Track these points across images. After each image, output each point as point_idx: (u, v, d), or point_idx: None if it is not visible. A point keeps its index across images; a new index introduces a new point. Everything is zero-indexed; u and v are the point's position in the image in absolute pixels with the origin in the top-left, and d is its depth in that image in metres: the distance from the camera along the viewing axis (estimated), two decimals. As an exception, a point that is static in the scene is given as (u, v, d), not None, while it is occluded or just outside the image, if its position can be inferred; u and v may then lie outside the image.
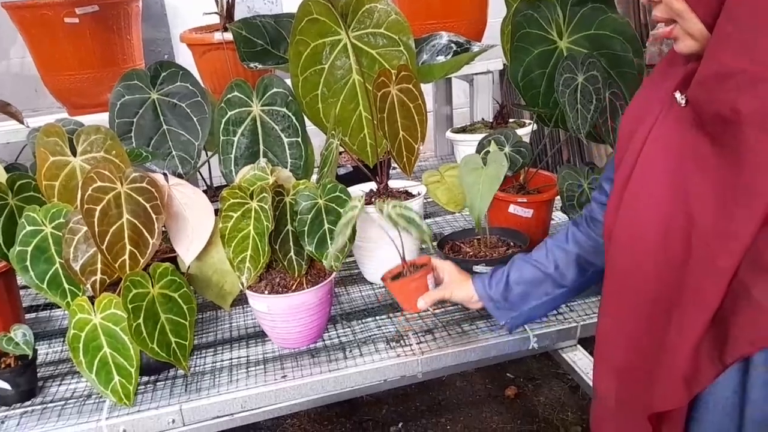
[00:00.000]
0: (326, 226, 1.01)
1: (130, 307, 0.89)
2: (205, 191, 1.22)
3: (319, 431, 1.90)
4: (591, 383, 1.82)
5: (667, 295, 0.66)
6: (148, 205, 0.94)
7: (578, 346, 1.99)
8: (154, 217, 0.95)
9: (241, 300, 1.17)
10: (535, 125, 1.45)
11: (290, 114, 1.16)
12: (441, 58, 1.41)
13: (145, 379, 1.00)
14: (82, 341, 0.90)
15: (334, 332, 1.10)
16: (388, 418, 1.94)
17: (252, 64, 1.32)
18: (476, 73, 1.83)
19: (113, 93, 1.23)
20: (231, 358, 1.05)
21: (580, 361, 1.91)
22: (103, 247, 0.90)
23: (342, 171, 1.59)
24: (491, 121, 1.55)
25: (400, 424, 1.90)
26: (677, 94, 0.65)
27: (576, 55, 1.12)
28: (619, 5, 2.63)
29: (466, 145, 1.63)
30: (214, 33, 1.52)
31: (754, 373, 0.62)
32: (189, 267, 1.04)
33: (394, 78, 1.06)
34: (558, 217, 1.44)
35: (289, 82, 1.17)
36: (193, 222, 1.02)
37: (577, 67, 1.11)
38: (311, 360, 1.02)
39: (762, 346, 0.61)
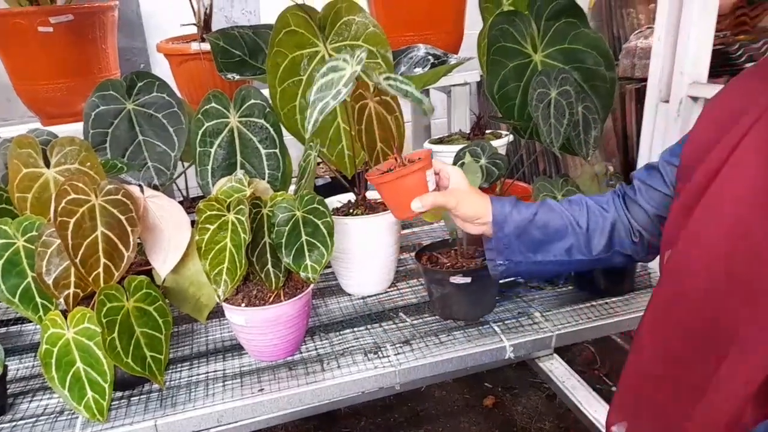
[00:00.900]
0: (304, 237, 1.01)
1: (104, 321, 0.88)
2: (181, 202, 1.21)
3: (297, 444, 1.89)
4: (567, 392, 1.85)
5: (730, 326, 0.58)
6: (123, 218, 0.93)
7: (555, 355, 2.02)
8: (129, 229, 0.94)
9: (217, 313, 1.16)
10: (512, 136, 1.47)
11: (268, 125, 1.16)
12: (419, 70, 1.43)
13: (119, 394, 0.99)
14: (55, 356, 0.89)
15: (312, 344, 1.09)
16: (367, 430, 1.94)
17: (229, 75, 1.32)
18: (454, 85, 1.84)
19: (88, 103, 1.22)
20: (207, 372, 1.04)
21: (557, 370, 1.93)
22: (77, 260, 0.88)
23: (320, 182, 1.59)
24: (468, 132, 1.57)
25: (378, 436, 1.90)
26: None
27: (549, 71, 1.14)
28: (593, 20, 2.69)
29: (444, 156, 1.64)
30: (192, 43, 1.51)
31: None
32: (165, 280, 1.03)
33: (372, 90, 1.07)
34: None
35: (266, 92, 1.17)
36: (169, 234, 1.01)
37: (550, 82, 1.13)
38: (289, 373, 1.02)
39: None
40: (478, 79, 1.81)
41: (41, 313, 0.96)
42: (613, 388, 2.10)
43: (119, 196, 0.94)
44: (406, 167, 0.82)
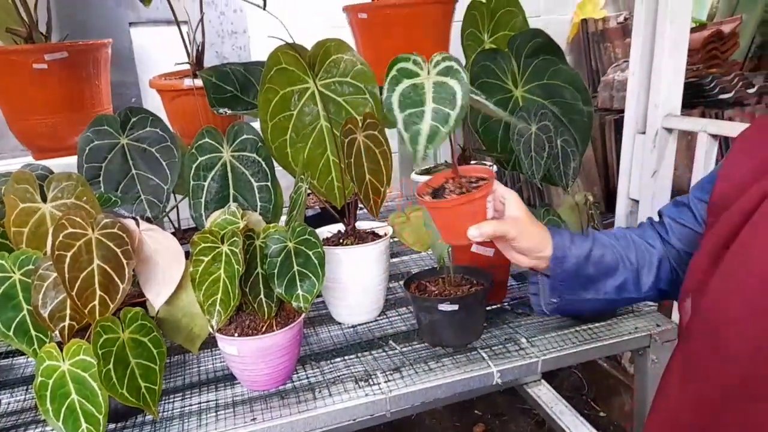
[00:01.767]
0: (295, 268, 1.03)
1: (100, 352, 0.89)
2: (173, 234, 1.23)
3: (287, 475, 1.88)
4: (555, 418, 1.87)
5: (761, 387, 0.57)
6: (118, 251, 0.96)
7: (542, 381, 2.04)
8: (124, 262, 0.96)
9: (208, 343, 1.18)
10: (496, 167, 1.51)
11: (260, 159, 1.19)
12: (404, 104, 1.47)
13: (112, 426, 1.00)
14: (50, 388, 0.90)
15: (304, 373, 1.11)
16: (357, 459, 1.93)
17: (221, 110, 1.35)
18: (438, 117, 1.89)
19: (82, 138, 1.24)
20: (200, 402, 1.05)
21: (545, 396, 1.95)
22: (73, 292, 0.90)
23: (310, 212, 1.62)
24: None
25: (369, 465, 1.89)
26: None
27: (529, 107, 1.20)
28: (572, 53, 2.78)
29: (430, 186, 1.69)
30: (184, 79, 1.55)
31: None
32: (158, 311, 1.05)
33: (360, 125, 1.11)
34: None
35: (256, 125, 1.21)
36: (164, 266, 1.04)
37: (530, 117, 1.18)
38: (281, 402, 1.03)
39: None
40: (463, 111, 1.86)
41: (36, 345, 0.97)
42: (601, 413, 2.12)
43: (115, 230, 0.96)
44: (470, 194, 0.75)
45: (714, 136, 1.49)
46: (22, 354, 1.25)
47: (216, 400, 1.06)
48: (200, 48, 1.57)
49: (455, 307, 1.09)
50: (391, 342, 1.19)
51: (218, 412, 1.02)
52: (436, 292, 1.16)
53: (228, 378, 1.11)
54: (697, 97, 2.23)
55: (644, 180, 1.69)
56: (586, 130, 1.27)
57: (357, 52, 1.20)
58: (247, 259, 1.04)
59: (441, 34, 1.78)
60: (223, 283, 1.00)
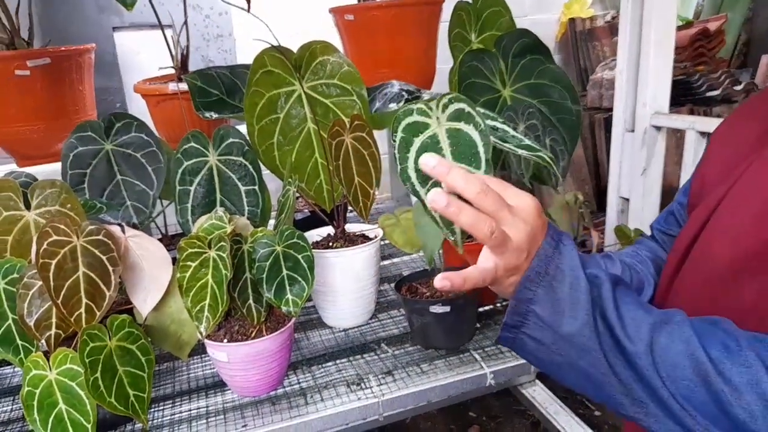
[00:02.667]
0: (284, 272, 1.02)
1: (87, 361, 0.88)
2: (160, 239, 1.22)
3: (280, 481, 1.86)
4: (550, 418, 1.86)
5: None
6: (104, 258, 0.94)
7: (537, 381, 2.03)
8: (110, 269, 0.94)
9: (198, 350, 1.17)
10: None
11: (247, 163, 1.18)
12: (393, 106, 1.47)
13: (101, 435, 0.98)
14: (37, 398, 0.88)
15: (295, 378, 1.10)
16: (351, 464, 1.92)
17: (207, 114, 1.34)
18: (427, 118, 1.89)
19: (66, 144, 1.23)
20: (190, 410, 1.04)
21: (539, 397, 1.94)
22: (59, 301, 0.88)
23: (299, 216, 1.61)
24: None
25: (363, 469, 1.88)
26: None
27: (516, 106, 1.19)
28: (560, 52, 2.79)
29: (420, 187, 1.68)
30: (169, 83, 1.54)
31: None
32: (146, 318, 1.04)
33: (348, 127, 1.10)
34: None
35: (242, 129, 1.19)
36: (150, 273, 1.02)
37: (517, 116, 1.18)
38: (272, 407, 1.02)
39: None
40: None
41: (22, 355, 0.95)
42: (596, 413, 2.12)
43: (100, 237, 0.95)
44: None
45: (702, 134, 1.49)
46: (9, 364, 1.23)
47: (206, 407, 1.04)
48: (185, 52, 1.56)
49: (447, 308, 1.09)
50: (383, 345, 1.18)
51: (209, 420, 1.01)
52: (428, 294, 1.15)
53: (218, 385, 1.10)
54: (685, 95, 2.24)
55: (634, 178, 1.70)
56: (574, 129, 1.27)
57: (344, 54, 1.20)
58: (235, 264, 1.03)
59: (428, 34, 1.78)
60: (211, 288, 0.99)
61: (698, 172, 0.76)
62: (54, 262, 0.89)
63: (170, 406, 1.06)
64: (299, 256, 1.03)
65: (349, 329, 1.25)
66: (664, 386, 0.53)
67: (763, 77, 2.47)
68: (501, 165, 1.30)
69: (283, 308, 1.01)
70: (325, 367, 1.12)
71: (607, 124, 2.30)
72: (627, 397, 0.55)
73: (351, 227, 1.29)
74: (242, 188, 1.19)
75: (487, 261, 0.56)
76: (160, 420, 1.02)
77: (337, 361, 1.14)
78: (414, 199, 1.80)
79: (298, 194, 1.23)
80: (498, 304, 1.30)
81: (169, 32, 1.53)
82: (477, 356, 1.11)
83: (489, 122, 0.76)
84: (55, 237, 0.90)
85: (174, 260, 1.03)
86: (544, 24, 2.72)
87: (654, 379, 0.53)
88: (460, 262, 1.22)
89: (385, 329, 1.24)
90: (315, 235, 1.30)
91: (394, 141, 0.62)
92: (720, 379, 0.51)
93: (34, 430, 0.88)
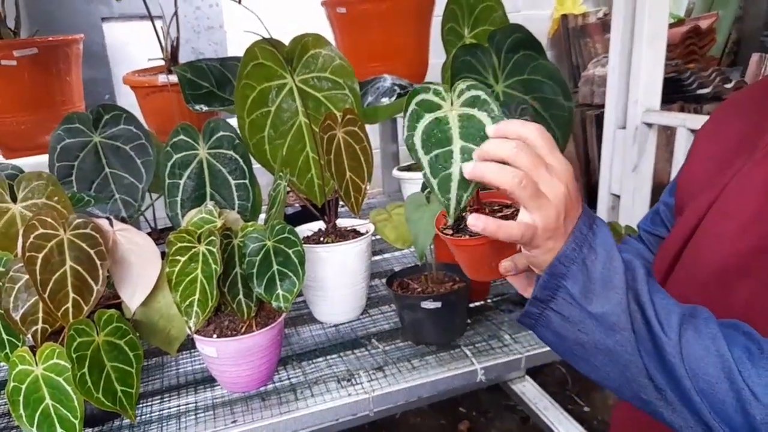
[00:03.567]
0: (275, 267, 1.01)
1: (74, 356, 0.86)
2: (149, 234, 1.20)
3: (270, 476, 1.86)
4: (540, 413, 1.87)
5: None
6: (92, 251, 0.93)
7: (526, 377, 2.05)
8: (98, 263, 0.93)
9: (187, 345, 1.16)
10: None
11: (237, 156, 1.17)
12: (385, 100, 1.46)
13: (89, 430, 0.97)
14: (23, 394, 0.87)
15: (285, 373, 1.09)
16: (341, 459, 1.92)
17: (197, 107, 1.33)
18: (419, 113, 1.88)
19: (53, 136, 1.21)
20: (179, 405, 1.03)
21: (529, 392, 1.96)
22: (45, 295, 0.87)
23: (290, 211, 1.60)
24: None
25: (353, 465, 1.88)
26: None
27: (509, 101, 1.19)
28: (553, 49, 2.79)
29: (413, 182, 1.68)
30: (159, 75, 1.52)
31: None
32: (134, 313, 1.02)
33: (339, 121, 1.09)
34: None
35: (233, 122, 1.18)
36: (139, 267, 1.01)
37: (510, 112, 1.17)
38: (262, 403, 1.01)
39: None
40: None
41: (8, 350, 0.94)
42: (585, 408, 2.13)
43: (88, 230, 0.94)
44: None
45: (693, 131, 1.49)
46: (-6, 359, 1.21)
47: (195, 402, 1.03)
48: (175, 43, 1.54)
49: (438, 304, 1.08)
50: (373, 341, 1.17)
51: (198, 415, 1.00)
52: (419, 289, 1.15)
53: (208, 380, 1.09)
54: (676, 93, 2.24)
55: (625, 175, 1.70)
56: (566, 125, 1.26)
57: (335, 46, 1.19)
58: (225, 258, 1.02)
59: (421, 29, 1.77)
60: (201, 283, 0.98)
61: (684, 172, 0.76)
62: (41, 255, 0.88)
63: (159, 401, 1.05)
64: (290, 251, 1.02)
65: (340, 325, 1.25)
66: (687, 377, 0.53)
67: (753, 75, 2.48)
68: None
69: (274, 303, 1.01)
70: (315, 362, 1.12)
71: (598, 121, 2.31)
72: (650, 380, 0.55)
73: (342, 222, 1.28)
74: (232, 182, 1.17)
75: (524, 216, 0.56)
76: (148, 416, 1.01)
77: (328, 357, 1.13)
78: (405, 194, 1.79)
79: (289, 189, 1.22)
80: (489, 300, 1.30)
81: (159, 23, 1.51)
82: (468, 352, 1.11)
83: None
84: (41, 230, 0.89)
85: (163, 254, 1.02)
86: (537, 20, 2.72)
87: (679, 368, 0.53)
88: (451, 259, 1.21)
89: (376, 325, 1.24)
90: (306, 229, 1.29)
91: (406, 111, 0.63)
92: (740, 378, 0.51)
93: (20, 426, 0.87)
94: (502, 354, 1.10)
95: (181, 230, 1.00)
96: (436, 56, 1.72)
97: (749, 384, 0.51)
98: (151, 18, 1.46)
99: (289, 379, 1.07)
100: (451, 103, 0.63)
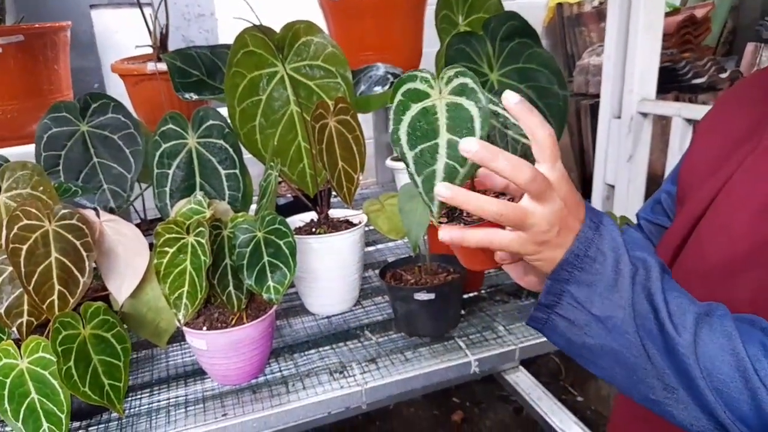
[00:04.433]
0: (266, 258, 1.00)
1: (59, 349, 0.85)
2: (138, 225, 1.18)
3: (263, 468, 1.85)
4: (533, 404, 1.87)
5: None
6: (78, 243, 0.91)
7: (520, 367, 2.04)
8: (84, 255, 0.91)
9: (177, 337, 1.14)
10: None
11: (227, 146, 1.15)
12: (378, 89, 1.44)
13: (76, 424, 0.96)
14: (8, 388, 0.85)
15: (276, 366, 1.08)
16: (334, 451, 1.92)
17: (187, 95, 1.30)
18: (413, 102, 1.86)
19: (40, 125, 1.19)
20: (169, 398, 1.01)
21: (523, 383, 1.95)
22: (30, 287, 0.85)
23: (282, 201, 1.58)
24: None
25: (346, 456, 1.88)
26: None
27: (503, 90, 1.17)
28: (548, 38, 2.77)
29: (406, 173, 1.66)
30: (148, 63, 1.49)
31: None
32: (122, 305, 1.01)
33: (332, 110, 1.07)
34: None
35: (224, 111, 1.16)
36: (126, 259, 0.99)
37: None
38: (253, 396, 1.00)
39: None
40: (437, 96, 1.83)
41: (-8, 343, 0.92)
42: (579, 398, 2.14)
43: (74, 221, 0.92)
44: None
45: (688, 120, 1.48)
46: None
47: (185, 395, 1.02)
48: (164, 31, 1.51)
49: (432, 295, 1.07)
50: (366, 332, 1.16)
51: (188, 408, 0.98)
52: (412, 281, 1.13)
53: (198, 373, 1.07)
54: (671, 82, 2.23)
55: (620, 165, 1.69)
56: (561, 114, 1.25)
57: (328, 34, 1.16)
58: (215, 250, 1.00)
59: (415, 17, 1.75)
60: (190, 275, 0.96)
61: (687, 161, 0.75)
62: (25, 247, 0.86)
63: (148, 394, 1.03)
64: (281, 242, 1.00)
65: (333, 316, 1.23)
66: (701, 377, 0.52)
67: (748, 65, 2.47)
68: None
69: (264, 295, 0.99)
70: (307, 354, 1.11)
71: (593, 110, 2.30)
72: (659, 381, 0.54)
73: (335, 213, 1.27)
74: (222, 172, 1.16)
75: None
76: (137, 409, 0.99)
77: (320, 349, 1.12)
78: (399, 184, 1.78)
79: (280, 179, 1.20)
80: (483, 291, 1.29)
81: (148, 11, 1.48)
82: (461, 344, 1.10)
83: (491, 107, 0.74)
84: (26, 221, 0.87)
85: (151, 246, 1.00)
86: (532, 8, 2.70)
87: (694, 369, 0.52)
88: (445, 250, 1.20)
89: (369, 316, 1.23)
90: (298, 220, 1.27)
91: (391, 103, 0.60)
92: (756, 377, 0.50)
93: (5, 421, 0.86)
94: (496, 345, 1.09)
95: (170, 221, 0.98)
96: (430, 44, 1.70)
97: (765, 382, 0.50)
98: (140, 4, 1.43)
99: (280, 371, 1.06)
100: (440, 91, 0.60)
